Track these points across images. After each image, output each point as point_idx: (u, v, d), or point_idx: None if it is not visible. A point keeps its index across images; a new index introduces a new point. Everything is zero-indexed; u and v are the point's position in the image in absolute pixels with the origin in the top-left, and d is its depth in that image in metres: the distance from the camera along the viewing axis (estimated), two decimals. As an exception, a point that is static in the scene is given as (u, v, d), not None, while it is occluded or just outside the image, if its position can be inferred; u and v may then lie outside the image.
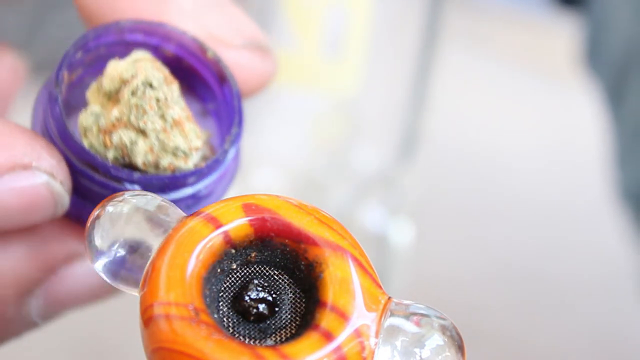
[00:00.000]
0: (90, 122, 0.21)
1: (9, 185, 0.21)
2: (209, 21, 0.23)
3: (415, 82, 0.50)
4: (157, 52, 0.23)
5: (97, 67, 0.23)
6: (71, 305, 0.24)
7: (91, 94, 0.22)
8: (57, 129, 0.21)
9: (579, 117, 0.63)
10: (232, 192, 0.24)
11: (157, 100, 0.21)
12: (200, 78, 0.23)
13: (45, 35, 0.59)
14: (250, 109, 0.53)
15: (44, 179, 0.21)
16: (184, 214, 0.20)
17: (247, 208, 0.20)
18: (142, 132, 0.21)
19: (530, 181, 0.76)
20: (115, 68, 0.21)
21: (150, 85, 0.21)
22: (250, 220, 0.19)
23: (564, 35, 0.61)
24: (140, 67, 0.21)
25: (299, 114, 0.51)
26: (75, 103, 0.23)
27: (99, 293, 0.24)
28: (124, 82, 0.21)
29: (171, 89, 0.21)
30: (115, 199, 0.20)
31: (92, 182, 0.21)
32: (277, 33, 0.48)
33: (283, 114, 0.50)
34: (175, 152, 0.22)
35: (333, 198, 0.50)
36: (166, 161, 0.22)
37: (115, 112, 0.21)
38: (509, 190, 0.74)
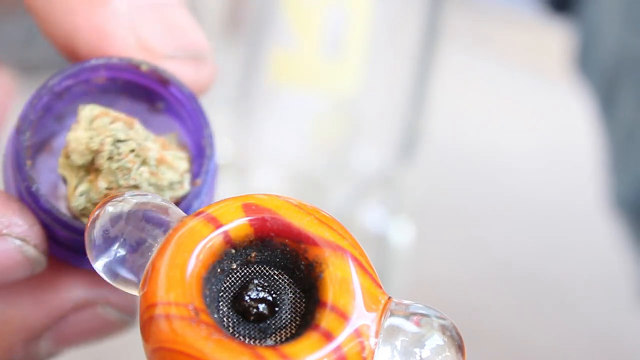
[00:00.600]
0: (83, 201, 0.21)
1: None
2: (142, 27, 0.23)
3: (415, 82, 0.50)
4: (90, 83, 0.23)
5: (44, 126, 0.23)
6: (80, 343, 0.25)
7: (64, 170, 0.22)
8: (49, 216, 0.21)
9: (579, 117, 0.63)
10: (232, 192, 0.24)
11: (133, 151, 0.21)
12: (140, 86, 0.23)
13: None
14: (251, 109, 0.53)
15: (15, 244, 0.21)
16: (184, 214, 0.20)
17: (247, 208, 0.20)
18: (135, 187, 0.21)
19: (530, 181, 0.76)
20: (78, 141, 0.21)
21: (119, 141, 0.21)
22: (250, 220, 0.19)
23: (563, 36, 0.61)
24: (100, 130, 0.21)
25: (299, 114, 0.51)
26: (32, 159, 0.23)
27: (108, 332, 0.25)
28: (95, 152, 0.21)
29: (136, 131, 0.21)
30: (116, 199, 0.20)
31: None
32: (277, 33, 0.48)
33: (283, 114, 0.50)
34: (171, 186, 0.22)
35: (333, 198, 0.50)
36: (167, 197, 0.22)
37: (102, 184, 0.21)
38: (509, 190, 0.74)
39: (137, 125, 0.22)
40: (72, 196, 0.22)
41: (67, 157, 0.22)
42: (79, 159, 0.21)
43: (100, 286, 0.24)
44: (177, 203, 0.22)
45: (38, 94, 0.22)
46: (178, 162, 0.22)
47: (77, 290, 0.23)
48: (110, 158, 0.21)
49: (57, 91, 0.22)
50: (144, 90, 0.23)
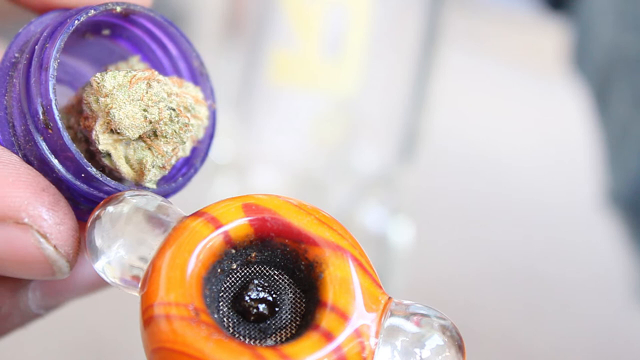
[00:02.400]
0: (157, 173, 0.22)
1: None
2: None
3: (415, 82, 0.50)
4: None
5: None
6: (70, 295, 0.24)
7: (108, 146, 0.21)
8: (108, 193, 0.21)
9: (577, 116, 0.63)
10: (232, 192, 0.24)
11: (180, 105, 0.21)
12: (99, 22, 0.23)
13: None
14: (251, 110, 0.53)
15: (34, 238, 0.20)
16: (184, 214, 0.20)
17: (247, 208, 0.20)
18: (191, 138, 0.22)
19: (529, 181, 0.76)
20: (132, 117, 0.21)
21: (168, 96, 0.21)
22: (251, 220, 0.19)
23: (561, 36, 0.61)
24: (145, 98, 0.21)
25: (299, 114, 0.51)
26: None
27: (97, 284, 0.24)
28: (154, 122, 0.21)
29: (165, 81, 0.21)
30: (116, 200, 0.20)
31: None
32: (277, 33, 0.48)
33: (283, 114, 0.51)
34: (207, 118, 0.22)
35: (333, 198, 0.50)
36: (201, 131, 0.22)
37: (168, 148, 0.21)
38: (509, 190, 0.74)
39: (159, 75, 0.22)
40: (141, 170, 0.21)
41: (116, 132, 0.21)
42: (135, 133, 0.21)
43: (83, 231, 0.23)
44: (206, 132, 0.22)
45: (50, 61, 0.21)
46: (199, 94, 0.22)
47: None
48: (171, 121, 0.21)
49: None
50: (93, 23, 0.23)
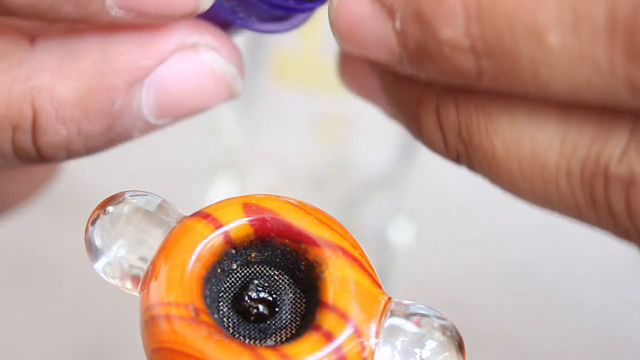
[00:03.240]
0: None
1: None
2: None
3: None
4: None
5: None
6: (182, 103, 0.23)
7: None
8: None
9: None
10: (232, 192, 0.24)
11: None
12: None
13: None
14: (251, 109, 0.53)
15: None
16: (184, 214, 0.20)
17: (247, 208, 0.20)
18: None
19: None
20: None
21: None
22: (251, 220, 0.19)
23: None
24: None
25: (299, 113, 0.51)
26: None
27: (211, 89, 0.23)
28: None
29: None
30: (116, 200, 0.20)
31: None
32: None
33: (283, 113, 0.50)
34: None
35: (333, 198, 0.50)
36: None
37: None
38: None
39: None
40: None
41: None
42: None
43: (207, 32, 0.23)
44: None
45: None
46: None
47: (184, 31, 0.22)
48: None
49: None
50: None
